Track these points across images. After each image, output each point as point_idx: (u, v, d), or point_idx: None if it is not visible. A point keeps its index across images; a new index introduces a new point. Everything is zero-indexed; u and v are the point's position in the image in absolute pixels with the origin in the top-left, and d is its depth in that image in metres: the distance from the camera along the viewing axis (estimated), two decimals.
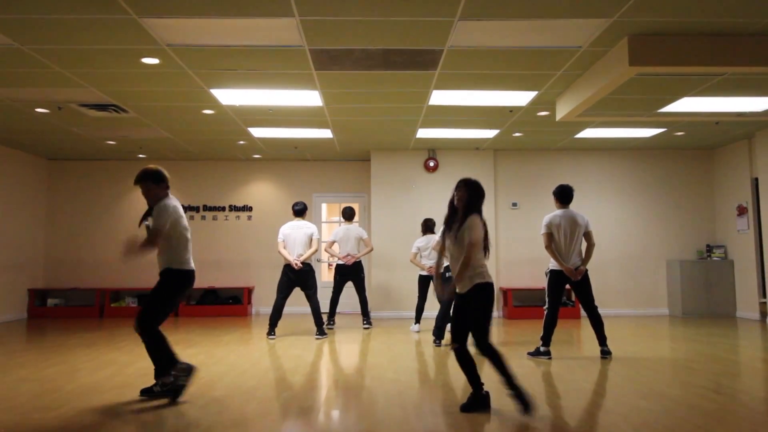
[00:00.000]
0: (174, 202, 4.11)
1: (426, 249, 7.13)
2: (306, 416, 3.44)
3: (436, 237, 7.17)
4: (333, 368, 4.92)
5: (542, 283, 9.02)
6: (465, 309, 3.62)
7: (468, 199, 3.75)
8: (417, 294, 7.33)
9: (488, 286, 3.59)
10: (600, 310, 9.13)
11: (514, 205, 9.31)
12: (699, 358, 5.30)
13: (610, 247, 9.27)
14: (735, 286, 8.82)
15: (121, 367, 4.98)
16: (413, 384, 4.28)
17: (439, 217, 9.35)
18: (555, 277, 5.33)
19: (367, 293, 7.88)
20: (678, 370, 4.72)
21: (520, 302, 9.12)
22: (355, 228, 7.63)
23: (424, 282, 7.21)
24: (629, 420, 3.31)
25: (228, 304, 9.41)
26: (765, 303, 8.22)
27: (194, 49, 4.78)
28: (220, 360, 5.28)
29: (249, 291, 9.51)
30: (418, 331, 7.24)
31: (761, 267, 8.35)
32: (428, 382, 4.36)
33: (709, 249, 9.14)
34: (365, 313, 7.59)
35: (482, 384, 3.60)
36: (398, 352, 5.69)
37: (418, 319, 7.27)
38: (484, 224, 3.70)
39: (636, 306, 9.19)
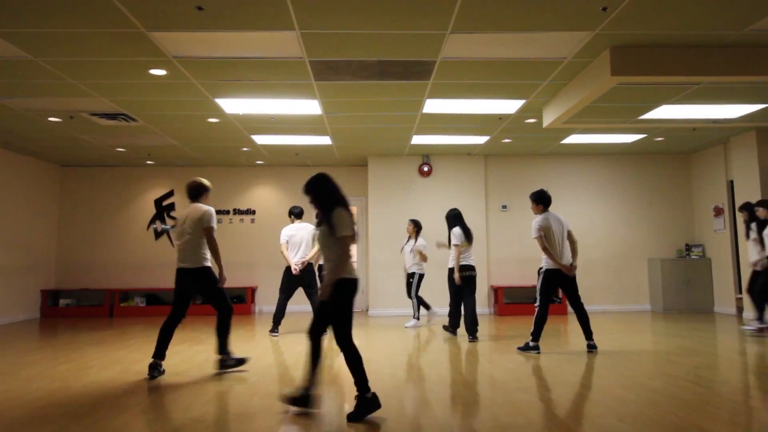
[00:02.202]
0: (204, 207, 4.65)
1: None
2: (307, 410, 3.42)
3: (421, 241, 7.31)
4: (332, 364, 4.91)
5: (531, 281, 9.06)
6: (326, 303, 3.33)
7: (317, 199, 3.40)
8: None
9: (348, 282, 3.29)
10: (585, 307, 9.20)
11: (504, 207, 9.32)
12: (679, 351, 5.31)
13: (595, 246, 9.29)
14: (713, 282, 8.86)
15: (130, 364, 4.95)
16: (409, 379, 4.27)
17: (434, 219, 9.33)
18: (550, 276, 5.31)
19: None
20: (660, 363, 4.73)
21: (510, 299, 9.13)
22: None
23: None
24: (614, 411, 3.31)
25: (232, 303, 9.36)
26: (741, 299, 8.25)
27: (200, 61, 4.77)
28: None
29: (252, 290, 9.49)
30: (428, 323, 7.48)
31: (737, 265, 8.39)
32: (424, 377, 4.36)
33: (688, 248, 9.17)
34: None
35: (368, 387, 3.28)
36: (395, 349, 5.68)
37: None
38: (349, 213, 3.35)
39: (619, 302, 9.21)
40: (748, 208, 6.77)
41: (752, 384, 3.97)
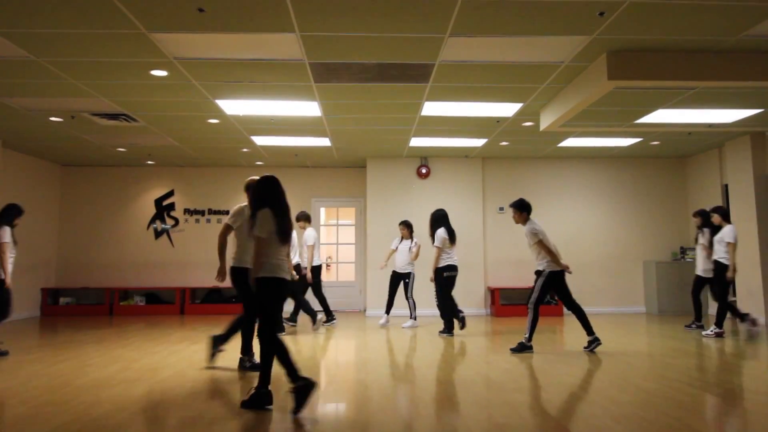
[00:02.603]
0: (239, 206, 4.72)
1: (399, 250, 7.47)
2: (305, 408, 3.42)
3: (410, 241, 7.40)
4: (329, 363, 4.91)
5: (527, 282, 9.06)
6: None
7: (252, 198, 3.66)
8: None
9: (268, 281, 3.43)
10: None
11: (501, 209, 9.32)
12: (673, 352, 5.32)
13: (591, 249, 9.30)
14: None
15: (129, 362, 4.94)
16: (406, 379, 4.27)
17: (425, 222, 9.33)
18: (554, 277, 5.34)
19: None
20: (654, 365, 4.74)
21: (507, 301, 9.13)
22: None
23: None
24: (609, 412, 3.31)
25: (230, 303, 9.37)
26: (734, 301, 8.26)
27: (200, 62, 4.77)
28: (223, 355, 5.25)
29: None
30: (386, 323, 7.50)
31: None
32: (420, 377, 4.35)
33: (683, 251, 9.18)
34: (329, 310, 7.40)
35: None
36: (393, 348, 5.68)
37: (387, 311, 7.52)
38: (276, 215, 3.48)
39: (615, 304, 9.21)
40: (702, 213, 6.95)
41: (745, 386, 3.97)
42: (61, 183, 9.76)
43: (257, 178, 4.61)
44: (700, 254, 6.87)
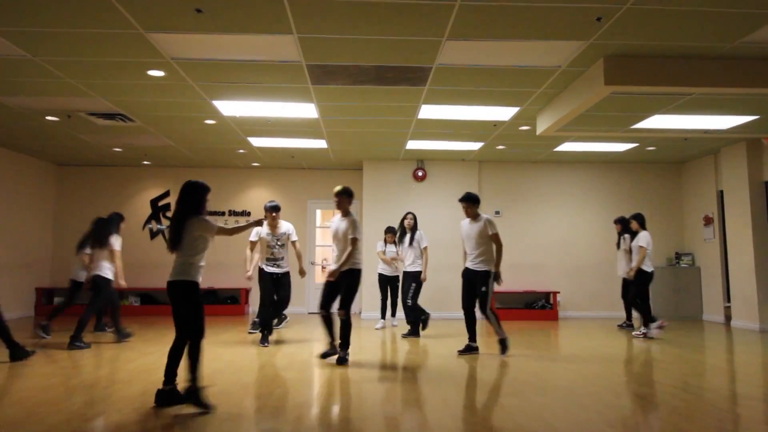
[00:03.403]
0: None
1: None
2: (299, 410, 3.41)
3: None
4: (325, 365, 4.89)
5: (522, 286, 9.07)
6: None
7: (179, 204, 3.77)
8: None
9: (190, 284, 3.56)
10: (575, 312, 9.25)
11: (497, 213, 9.34)
12: (668, 358, 5.33)
13: (586, 253, 9.32)
14: (701, 291, 8.90)
15: (123, 363, 4.92)
16: (401, 380, 4.26)
17: (428, 223, 9.31)
18: (496, 277, 5.37)
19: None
20: (648, 370, 4.75)
21: (502, 304, 9.13)
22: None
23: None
24: (604, 416, 3.32)
25: (226, 303, 9.35)
26: (729, 307, 8.30)
27: (198, 63, 4.77)
28: (219, 357, 5.24)
29: (246, 292, 9.45)
30: (382, 327, 7.51)
31: (725, 273, 8.44)
32: (413, 378, 4.35)
33: (678, 256, 9.22)
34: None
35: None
36: (387, 350, 5.67)
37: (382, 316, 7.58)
38: (204, 222, 3.72)
39: (609, 309, 9.23)
40: (622, 221, 7.39)
41: (738, 391, 3.99)
42: (56, 182, 9.72)
43: (341, 187, 4.95)
44: (622, 258, 7.22)
